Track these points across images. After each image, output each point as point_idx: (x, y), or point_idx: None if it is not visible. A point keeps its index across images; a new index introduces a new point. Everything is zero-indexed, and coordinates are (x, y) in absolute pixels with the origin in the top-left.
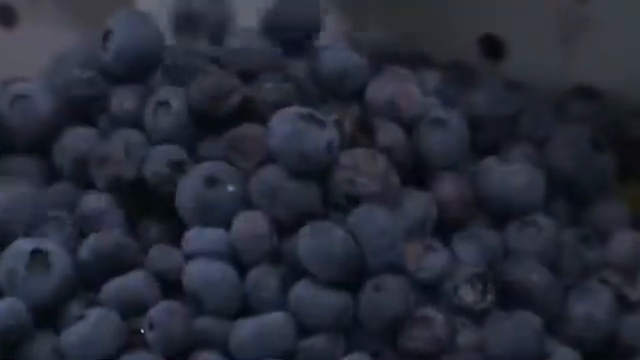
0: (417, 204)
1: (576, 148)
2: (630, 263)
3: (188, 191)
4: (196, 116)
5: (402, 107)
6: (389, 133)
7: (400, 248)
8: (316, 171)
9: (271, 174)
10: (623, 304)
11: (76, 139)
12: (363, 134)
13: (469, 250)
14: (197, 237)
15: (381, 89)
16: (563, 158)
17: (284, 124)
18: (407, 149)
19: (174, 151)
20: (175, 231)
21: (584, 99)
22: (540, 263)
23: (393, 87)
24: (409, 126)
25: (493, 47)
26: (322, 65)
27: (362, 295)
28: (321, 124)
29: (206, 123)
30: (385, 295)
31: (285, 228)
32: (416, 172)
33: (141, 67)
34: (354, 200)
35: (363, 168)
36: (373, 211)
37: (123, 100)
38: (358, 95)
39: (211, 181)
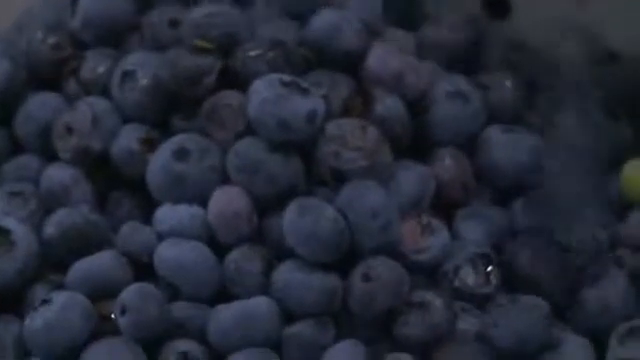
0: (413, 179)
1: (589, 117)
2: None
3: (157, 164)
4: (167, 94)
5: (410, 83)
6: (388, 104)
7: (395, 230)
8: (297, 142)
9: (250, 146)
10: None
11: (40, 107)
12: (358, 103)
13: (474, 229)
14: (168, 215)
15: (385, 61)
16: (574, 128)
17: (263, 90)
18: (406, 122)
19: (144, 129)
20: (149, 207)
21: (598, 63)
22: (549, 244)
23: (400, 61)
24: (413, 102)
25: (498, 6)
26: (311, 26)
27: (351, 282)
28: (304, 92)
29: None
30: (376, 286)
31: (266, 205)
32: (418, 148)
33: (110, 35)
34: (340, 176)
35: (351, 141)
36: (364, 188)
37: (96, 65)
38: (353, 61)
39: (181, 153)
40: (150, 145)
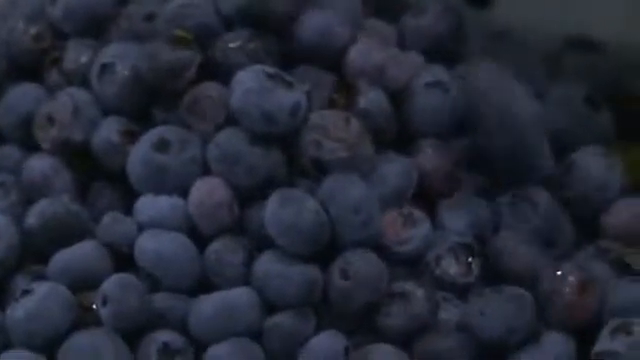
0: (396, 171)
1: (571, 107)
2: (631, 232)
3: (137, 156)
4: (147, 86)
5: (392, 76)
6: (371, 96)
7: (376, 224)
8: (279, 135)
9: (231, 137)
10: (625, 273)
11: (21, 97)
12: (341, 96)
13: (457, 219)
14: (149, 205)
15: (367, 53)
16: (556, 117)
17: (247, 81)
18: (390, 115)
19: (124, 121)
20: (130, 198)
21: (580, 51)
22: (533, 239)
23: (383, 54)
24: (395, 94)
25: None
26: (300, 29)
27: (330, 278)
28: (288, 85)
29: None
30: (354, 283)
31: (246, 197)
32: (402, 139)
33: (91, 26)
34: (320, 166)
35: (333, 131)
36: (346, 182)
37: (78, 55)
38: (337, 58)
39: (161, 144)
40: (131, 137)
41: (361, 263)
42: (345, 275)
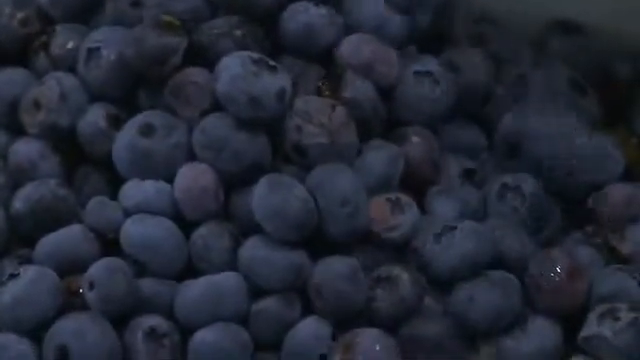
0: (382, 158)
1: (555, 90)
2: (618, 217)
3: (123, 141)
4: (132, 71)
5: (381, 72)
6: (358, 86)
7: (362, 217)
8: (266, 120)
9: (217, 122)
10: (614, 258)
11: (7, 82)
12: (329, 86)
13: (445, 206)
14: (134, 190)
15: (357, 48)
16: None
17: (233, 66)
18: (378, 105)
19: (109, 107)
20: (117, 182)
21: (565, 35)
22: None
23: (371, 49)
24: (383, 87)
25: None
26: (286, 23)
27: (308, 289)
28: (273, 70)
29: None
30: (325, 301)
31: (232, 182)
32: (385, 127)
33: (79, 11)
34: (300, 150)
35: (315, 117)
36: (334, 172)
37: (66, 40)
38: (325, 52)
39: (147, 129)
40: (116, 122)
41: (330, 288)
42: (318, 293)
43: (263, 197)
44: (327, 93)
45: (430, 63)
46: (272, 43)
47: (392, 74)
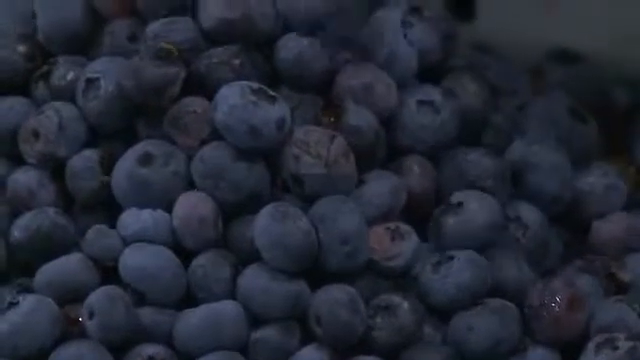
0: (384, 189)
1: (555, 119)
2: (618, 246)
3: (121, 170)
4: (131, 102)
5: (379, 94)
6: (358, 115)
7: (361, 256)
8: (265, 150)
9: (216, 152)
10: (615, 286)
11: (7, 111)
12: (329, 115)
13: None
14: (133, 219)
15: (357, 74)
16: (540, 129)
17: (231, 96)
18: (380, 134)
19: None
20: (116, 211)
21: (564, 63)
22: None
23: (371, 74)
24: (382, 115)
25: (463, 6)
26: (279, 54)
27: (307, 318)
28: (272, 100)
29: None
30: (324, 330)
31: (230, 212)
32: (393, 156)
33: (74, 45)
34: (298, 180)
35: (314, 147)
36: (338, 208)
37: (67, 71)
38: (321, 83)
39: (145, 158)
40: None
41: (330, 319)
42: (318, 322)
43: (266, 225)
44: (329, 120)
45: (431, 92)
46: (272, 69)
47: (391, 99)
